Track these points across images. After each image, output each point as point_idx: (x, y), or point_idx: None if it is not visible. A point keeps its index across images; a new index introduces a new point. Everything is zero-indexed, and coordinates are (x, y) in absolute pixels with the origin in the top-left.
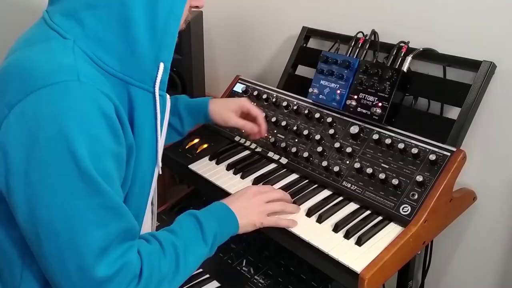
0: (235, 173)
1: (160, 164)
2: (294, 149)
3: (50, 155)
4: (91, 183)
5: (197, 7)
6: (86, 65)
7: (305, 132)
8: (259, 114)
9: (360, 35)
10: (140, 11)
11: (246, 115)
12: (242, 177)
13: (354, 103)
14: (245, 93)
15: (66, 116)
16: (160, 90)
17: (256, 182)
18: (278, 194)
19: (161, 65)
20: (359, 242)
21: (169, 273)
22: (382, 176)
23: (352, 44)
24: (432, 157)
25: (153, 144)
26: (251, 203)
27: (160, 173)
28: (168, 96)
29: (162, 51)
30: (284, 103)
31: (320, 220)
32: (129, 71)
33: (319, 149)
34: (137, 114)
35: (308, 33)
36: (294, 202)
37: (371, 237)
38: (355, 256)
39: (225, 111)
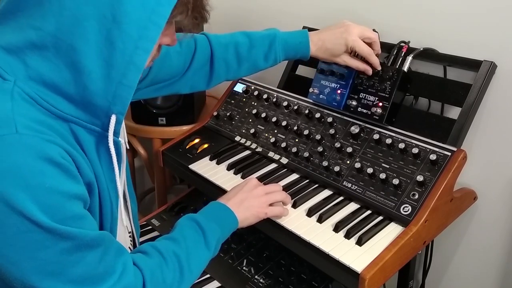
0: (235, 173)
1: (122, 202)
2: (294, 149)
3: None
4: (55, 232)
5: (168, 45)
6: (27, 109)
7: (306, 132)
8: (368, 53)
9: None
10: (93, 58)
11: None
12: (243, 177)
13: (354, 103)
14: (245, 93)
15: (2, 176)
16: (114, 137)
17: None
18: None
19: (113, 118)
20: (359, 242)
21: (174, 282)
22: (382, 176)
23: None
24: (433, 157)
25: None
26: (252, 194)
27: (130, 212)
28: (122, 142)
29: (115, 104)
30: (285, 103)
31: (320, 220)
32: (79, 114)
33: (320, 149)
34: (87, 153)
35: None
36: (294, 202)
37: (371, 237)
38: (355, 256)
39: (331, 57)
